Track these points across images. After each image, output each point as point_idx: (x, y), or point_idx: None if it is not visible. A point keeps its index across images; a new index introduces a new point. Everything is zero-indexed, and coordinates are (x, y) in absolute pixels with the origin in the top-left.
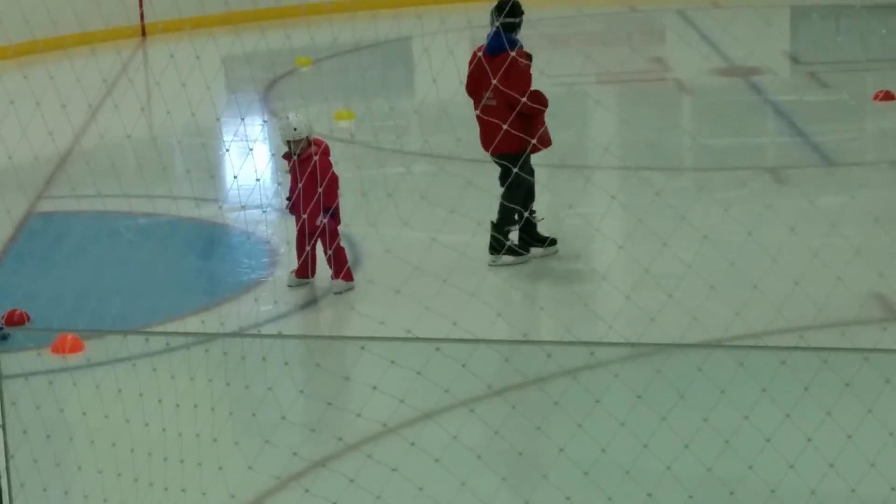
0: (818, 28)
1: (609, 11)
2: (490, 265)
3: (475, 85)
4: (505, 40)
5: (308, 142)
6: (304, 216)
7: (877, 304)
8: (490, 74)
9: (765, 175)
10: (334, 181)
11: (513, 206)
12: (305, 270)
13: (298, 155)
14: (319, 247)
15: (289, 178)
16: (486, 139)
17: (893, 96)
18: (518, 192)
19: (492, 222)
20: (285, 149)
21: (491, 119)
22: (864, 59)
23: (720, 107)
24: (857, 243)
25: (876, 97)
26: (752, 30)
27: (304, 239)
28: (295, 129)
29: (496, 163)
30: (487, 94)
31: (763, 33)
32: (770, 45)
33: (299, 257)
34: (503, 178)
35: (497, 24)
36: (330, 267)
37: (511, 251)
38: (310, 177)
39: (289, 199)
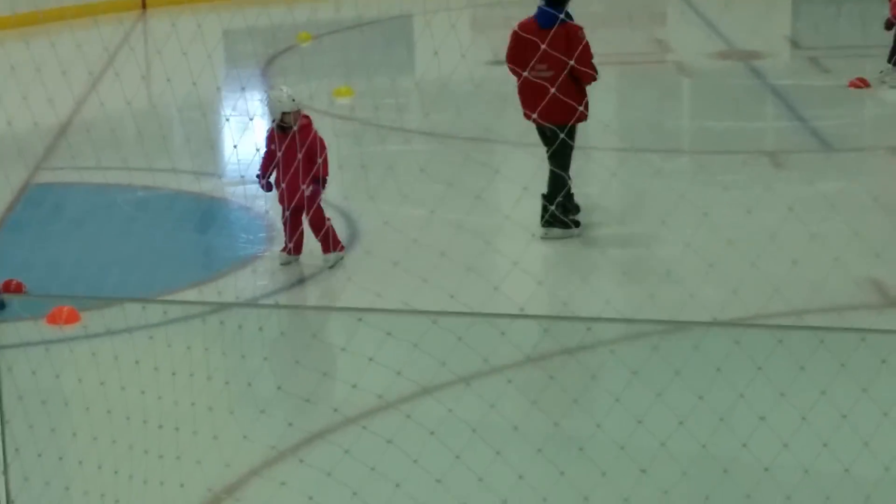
0: (819, 12)
1: None
2: (542, 238)
3: (523, 55)
4: (560, 13)
5: (299, 115)
6: (306, 188)
7: (873, 287)
8: (542, 45)
9: (763, 159)
10: (325, 149)
11: (563, 173)
12: (300, 246)
13: (290, 128)
14: (305, 222)
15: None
16: (540, 109)
17: (868, 83)
18: (568, 160)
19: (542, 195)
20: (272, 124)
21: (547, 89)
22: (865, 44)
23: (720, 90)
24: (855, 227)
25: (851, 84)
26: (753, 13)
27: (298, 214)
28: (293, 100)
29: (544, 132)
30: (541, 66)
31: (764, 17)
32: (771, 29)
33: (293, 234)
34: (555, 152)
35: None
36: (318, 239)
37: (562, 224)
38: (305, 149)
39: (263, 176)
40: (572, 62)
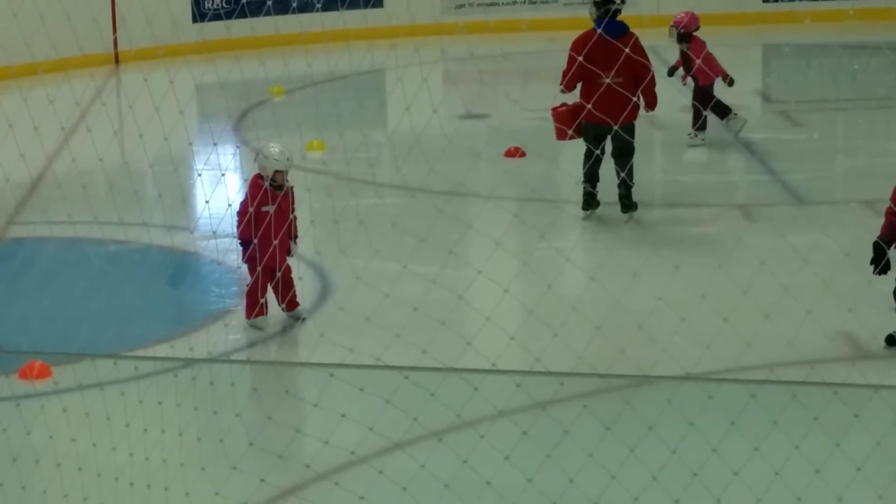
0: (790, 66)
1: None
2: (626, 222)
3: (593, 65)
4: (620, 25)
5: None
6: (297, 244)
7: (846, 341)
8: (610, 55)
9: (735, 212)
10: None
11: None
12: (263, 310)
13: (280, 186)
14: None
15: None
16: (615, 112)
17: (524, 152)
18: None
19: (620, 186)
20: (266, 183)
21: (621, 94)
22: (836, 97)
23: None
24: (827, 281)
25: (508, 154)
26: (723, 67)
27: (270, 275)
28: (288, 159)
29: (605, 135)
30: (611, 74)
31: (735, 71)
32: (742, 83)
33: (262, 295)
34: (623, 148)
35: (614, 8)
36: (282, 299)
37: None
38: (287, 208)
39: (247, 244)
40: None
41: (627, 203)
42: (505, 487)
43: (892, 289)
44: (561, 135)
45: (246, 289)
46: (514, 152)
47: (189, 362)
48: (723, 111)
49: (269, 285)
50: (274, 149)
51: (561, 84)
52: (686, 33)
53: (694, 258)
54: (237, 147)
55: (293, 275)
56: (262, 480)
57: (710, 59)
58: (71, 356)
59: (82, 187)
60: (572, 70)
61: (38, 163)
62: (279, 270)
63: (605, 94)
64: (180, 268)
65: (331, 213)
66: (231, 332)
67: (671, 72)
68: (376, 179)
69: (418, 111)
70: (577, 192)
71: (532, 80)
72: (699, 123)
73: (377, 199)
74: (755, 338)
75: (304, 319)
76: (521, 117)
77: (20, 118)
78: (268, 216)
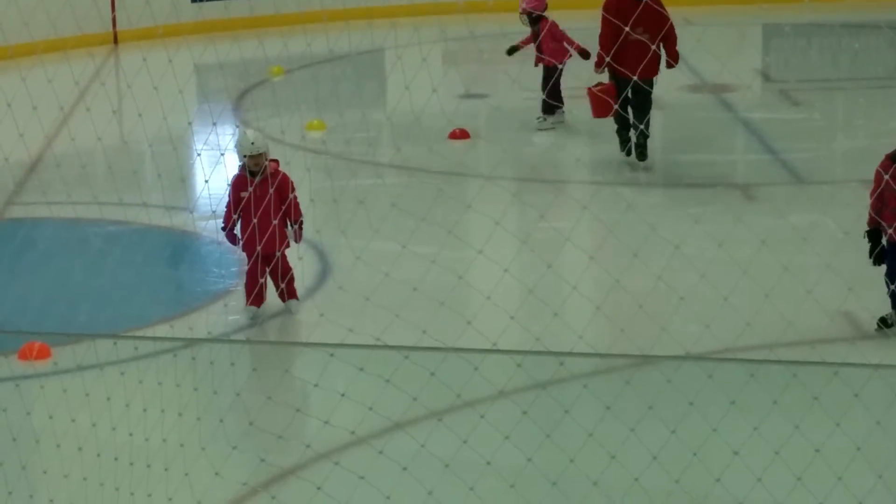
0: (790, 46)
1: (582, 27)
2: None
3: (622, 23)
4: None
5: (266, 158)
6: (291, 236)
7: (846, 320)
8: (636, 13)
9: (735, 192)
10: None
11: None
12: (261, 298)
13: (260, 173)
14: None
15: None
16: (640, 66)
17: (468, 134)
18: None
19: (639, 136)
20: (237, 170)
21: (647, 48)
22: (836, 77)
23: (691, 123)
24: (827, 260)
25: (452, 135)
26: (723, 46)
27: (264, 263)
28: (253, 143)
29: (625, 86)
30: (639, 29)
31: (734, 50)
32: (741, 62)
33: (254, 285)
34: (643, 100)
35: None
36: (282, 287)
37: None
38: (265, 194)
39: (227, 229)
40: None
41: (643, 152)
42: (505, 467)
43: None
44: (601, 111)
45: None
46: (459, 134)
47: (189, 342)
48: (552, 105)
49: (261, 273)
50: (241, 133)
51: (600, 49)
52: (538, 16)
53: (694, 238)
54: (236, 127)
55: (291, 264)
56: (263, 460)
57: (563, 37)
58: (70, 336)
59: (81, 167)
60: (607, 31)
61: (37, 143)
62: (273, 256)
63: (633, 48)
64: (180, 248)
65: (330, 193)
66: (231, 312)
67: (511, 51)
68: (376, 159)
69: (418, 91)
70: (577, 172)
71: (531, 59)
72: (545, 106)
73: (377, 178)
74: (755, 317)
75: (293, 314)
76: (520, 97)
77: (19, 98)
78: (247, 204)
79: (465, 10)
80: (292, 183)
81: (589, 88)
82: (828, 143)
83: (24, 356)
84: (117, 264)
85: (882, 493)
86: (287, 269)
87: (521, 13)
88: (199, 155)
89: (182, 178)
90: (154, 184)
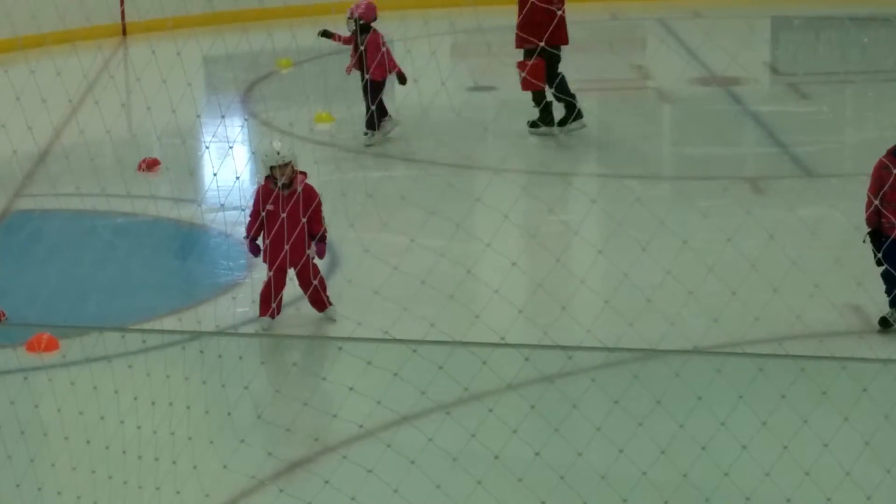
0: (798, 39)
1: (590, 19)
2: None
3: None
4: None
5: (294, 168)
6: (309, 248)
7: (854, 314)
8: None
9: (744, 185)
10: (320, 205)
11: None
12: (280, 307)
13: (286, 185)
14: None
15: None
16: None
17: (158, 162)
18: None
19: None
20: (262, 180)
21: (556, 17)
22: (844, 70)
23: (700, 116)
24: (836, 254)
25: (140, 167)
26: (732, 39)
27: (284, 274)
28: (278, 153)
29: (551, 52)
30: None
31: (744, 43)
32: (750, 55)
33: (275, 298)
34: (555, 66)
35: None
36: (310, 301)
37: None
38: (296, 208)
39: (252, 238)
40: None
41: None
42: (513, 461)
43: (881, 271)
44: (530, 85)
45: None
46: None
47: (197, 335)
48: (376, 120)
49: (282, 285)
50: (267, 144)
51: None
52: (366, 24)
53: (702, 231)
54: (245, 119)
55: (319, 275)
56: (270, 453)
57: (387, 54)
58: (79, 329)
59: (90, 160)
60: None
61: (45, 135)
62: (294, 269)
63: (548, 17)
64: (188, 240)
65: (339, 186)
66: (239, 304)
67: (324, 34)
68: (385, 152)
69: (427, 83)
70: (586, 165)
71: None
72: (369, 120)
73: (385, 171)
74: (763, 311)
75: (334, 321)
76: None
77: (28, 90)
78: (272, 216)
79: (474, 3)
80: (318, 196)
81: (520, 62)
82: (837, 136)
83: (32, 348)
84: (125, 257)
85: (890, 488)
86: (319, 279)
87: (349, 18)
88: (207, 147)
89: (190, 172)
90: (163, 176)
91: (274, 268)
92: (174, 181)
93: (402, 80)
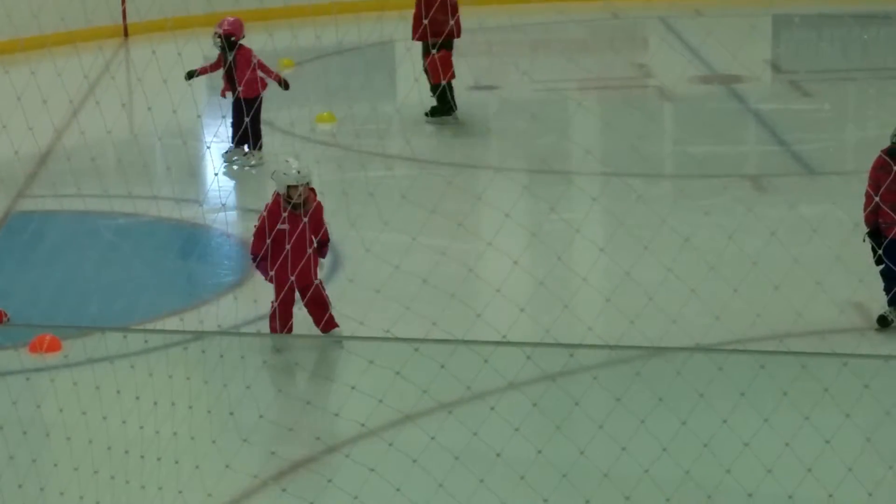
0: (800, 37)
1: (592, 17)
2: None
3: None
4: None
5: (307, 188)
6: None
7: (856, 311)
8: None
9: (745, 183)
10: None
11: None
12: (290, 329)
13: (301, 206)
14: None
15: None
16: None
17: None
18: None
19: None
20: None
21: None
22: (846, 67)
23: (701, 114)
24: (837, 251)
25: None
26: (734, 37)
27: (293, 296)
28: (299, 172)
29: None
30: None
31: (745, 41)
32: (751, 54)
33: (287, 321)
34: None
35: None
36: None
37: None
38: (309, 228)
39: (258, 258)
40: None
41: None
42: (515, 459)
43: (881, 270)
44: (439, 77)
45: (271, 307)
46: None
47: (199, 335)
48: (254, 138)
49: (293, 306)
50: (285, 163)
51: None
52: (235, 41)
53: (704, 229)
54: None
55: (326, 294)
56: (273, 453)
57: (261, 66)
58: (81, 329)
59: (91, 160)
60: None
61: (46, 136)
62: (307, 288)
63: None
64: (190, 241)
65: (340, 185)
66: (241, 304)
67: (190, 75)
68: (386, 151)
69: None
70: (587, 164)
71: (541, 51)
72: (238, 139)
73: (387, 170)
74: (765, 309)
75: (341, 343)
76: (530, 88)
77: (29, 91)
78: (283, 234)
79: (474, 2)
80: (322, 207)
81: (429, 57)
82: (838, 133)
83: (34, 349)
84: (127, 257)
85: (892, 484)
86: (324, 300)
87: (215, 36)
88: (208, 148)
89: (192, 172)
90: (164, 176)
91: (285, 289)
92: (176, 181)
93: (285, 85)
